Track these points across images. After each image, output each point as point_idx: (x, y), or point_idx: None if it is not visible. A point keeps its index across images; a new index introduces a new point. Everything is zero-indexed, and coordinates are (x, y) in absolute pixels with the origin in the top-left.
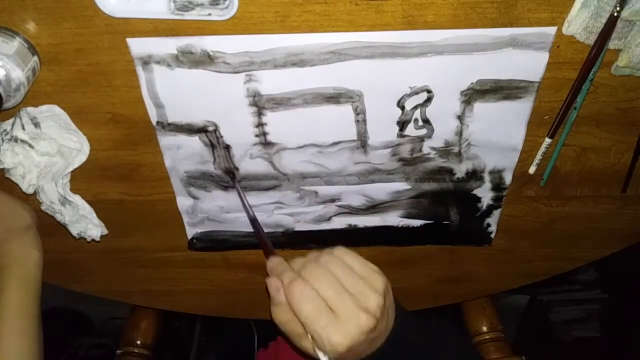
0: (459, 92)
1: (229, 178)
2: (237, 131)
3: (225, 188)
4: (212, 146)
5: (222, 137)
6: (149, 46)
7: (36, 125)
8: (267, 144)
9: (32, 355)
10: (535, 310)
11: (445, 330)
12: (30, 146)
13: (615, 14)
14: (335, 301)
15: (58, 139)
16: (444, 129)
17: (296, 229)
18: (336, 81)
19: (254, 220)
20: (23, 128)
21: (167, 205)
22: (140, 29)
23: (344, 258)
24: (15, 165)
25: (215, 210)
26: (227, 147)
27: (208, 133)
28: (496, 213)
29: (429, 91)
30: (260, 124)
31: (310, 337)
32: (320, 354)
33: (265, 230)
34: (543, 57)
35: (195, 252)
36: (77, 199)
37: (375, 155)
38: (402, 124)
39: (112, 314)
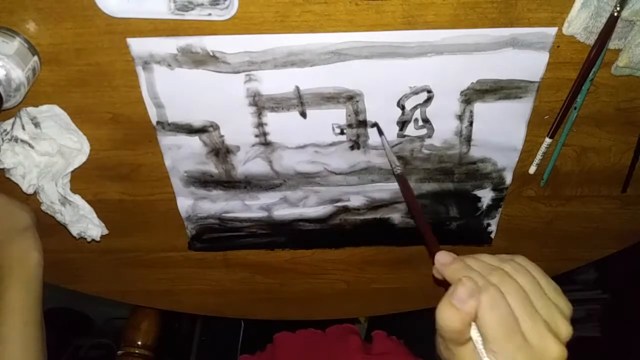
0: (459, 92)
1: (378, 131)
2: (237, 131)
3: (226, 188)
4: (212, 146)
5: (222, 137)
6: (149, 46)
7: (36, 125)
8: (267, 144)
9: (35, 357)
10: None
11: None
12: (31, 146)
13: (616, 14)
14: (528, 324)
15: (58, 139)
16: (444, 129)
17: (296, 229)
18: (336, 81)
19: (419, 213)
20: (23, 128)
21: (167, 205)
22: (141, 29)
23: (531, 270)
24: (16, 165)
25: (215, 210)
26: (227, 147)
27: (208, 133)
28: (496, 213)
29: (429, 91)
30: (260, 124)
31: (481, 352)
32: None
33: (265, 230)
34: (543, 57)
35: (195, 252)
36: (77, 199)
37: (376, 155)
38: (402, 124)
39: (113, 314)
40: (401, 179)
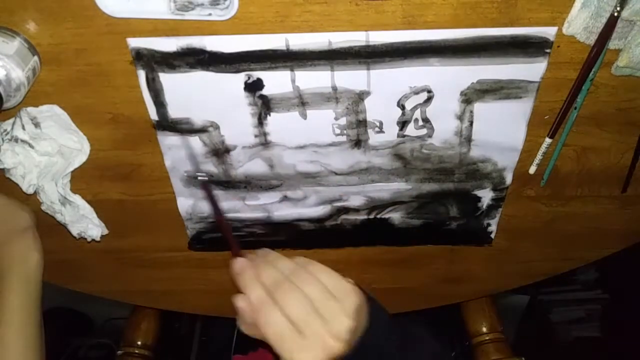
0: (459, 92)
1: (200, 177)
2: (237, 131)
3: (226, 188)
4: (212, 146)
5: (222, 137)
6: (149, 46)
7: (36, 125)
8: (267, 144)
9: (34, 357)
10: (536, 311)
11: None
12: (31, 146)
13: (616, 14)
14: (303, 323)
15: (58, 139)
16: (444, 129)
17: (297, 229)
18: (336, 81)
19: (220, 218)
20: (23, 128)
21: (168, 205)
22: (141, 29)
23: (319, 276)
24: (16, 165)
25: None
26: (227, 147)
27: (208, 133)
28: (496, 213)
29: (429, 91)
30: (260, 124)
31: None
32: None
33: (265, 230)
34: (543, 57)
35: (195, 252)
36: (77, 199)
37: (376, 155)
38: (403, 124)
39: (112, 314)
40: (204, 187)
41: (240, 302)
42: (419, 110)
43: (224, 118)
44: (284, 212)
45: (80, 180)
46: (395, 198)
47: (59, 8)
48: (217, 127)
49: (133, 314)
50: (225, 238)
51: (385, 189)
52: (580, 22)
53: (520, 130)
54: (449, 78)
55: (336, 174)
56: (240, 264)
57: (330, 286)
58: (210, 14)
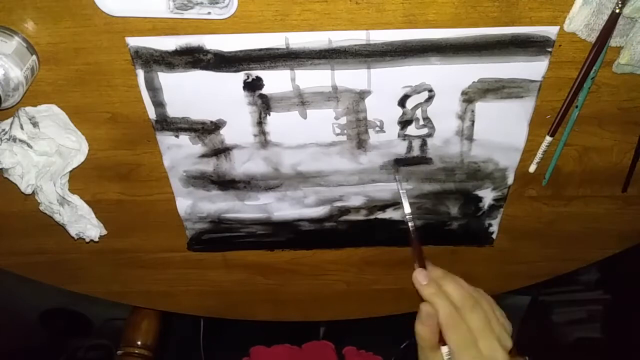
0: (460, 91)
1: (393, 170)
2: (237, 131)
3: (225, 188)
4: (212, 146)
5: (221, 136)
6: (148, 45)
7: (35, 125)
8: (266, 143)
9: None
10: (537, 311)
11: None
12: (29, 146)
13: (617, 10)
14: (484, 342)
15: (57, 138)
16: (445, 128)
17: (297, 229)
18: (337, 80)
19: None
20: (21, 128)
21: (166, 206)
22: (140, 28)
23: (488, 300)
24: (14, 165)
25: (215, 211)
26: (227, 147)
27: (208, 133)
28: (498, 213)
29: (430, 90)
30: (260, 124)
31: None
32: None
33: (265, 230)
34: (545, 56)
35: (194, 252)
36: (75, 199)
37: (376, 155)
38: (404, 124)
39: (111, 315)
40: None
41: (427, 308)
42: (420, 109)
43: (223, 117)
44: (284, 212)
45: (79, 180)
46: (395, 198)
47: (58, 7)
48: (216, 127)
49: (132, 314)
50: (417, 254)
51: (385, 189)
52: (582, 19)
53: (521, 130)
54: (450, 77)
55: (336, 173)
56: (423, 276)
57: (495, 309)
58: (209, 13)
